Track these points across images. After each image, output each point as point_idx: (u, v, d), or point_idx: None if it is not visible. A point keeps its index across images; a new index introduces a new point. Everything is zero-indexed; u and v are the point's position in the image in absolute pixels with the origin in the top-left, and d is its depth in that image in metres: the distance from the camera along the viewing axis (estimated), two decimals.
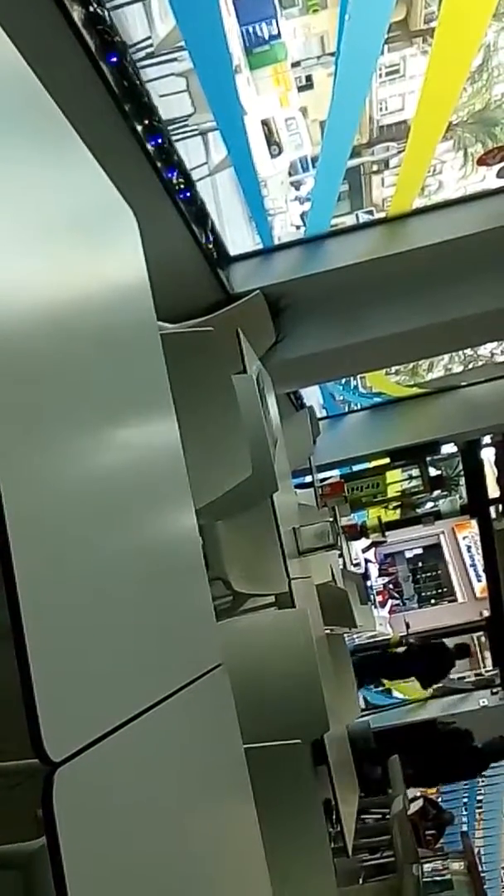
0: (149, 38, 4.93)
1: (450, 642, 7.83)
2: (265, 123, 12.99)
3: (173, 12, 3.31)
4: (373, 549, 14.40)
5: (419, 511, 9.34)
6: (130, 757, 0.96)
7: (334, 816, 2.72)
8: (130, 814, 0.94)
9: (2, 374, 0.86)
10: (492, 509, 8.23)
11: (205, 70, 3.67)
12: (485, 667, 11.12)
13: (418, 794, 7.50)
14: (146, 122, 2.89)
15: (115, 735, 0.89)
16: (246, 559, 2.66)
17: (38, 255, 1.08)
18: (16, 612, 0.75)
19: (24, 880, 1.13)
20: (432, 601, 17.24)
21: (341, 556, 5.71)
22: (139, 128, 2.86)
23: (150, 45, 4.86)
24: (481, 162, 4.93)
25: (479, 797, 10.42)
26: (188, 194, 3.48)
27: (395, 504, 8.85)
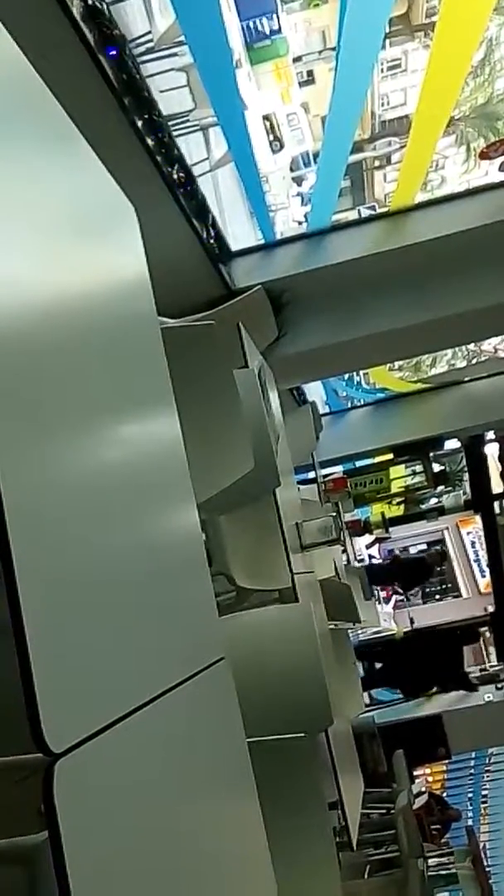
0: (148, 32, 4.93)
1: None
2: (266, 119, 12.95)
3: (173, 7, 3.31)
4: (376, 545, 14.39)
5: (423, 507, 9.34)
6: (132, 749, 0.96)
7: (339, 810, 2.72)
8: (132, 806, 0.94)
9: (1, 369, 0.86)
10: (496, 504, 8.23)
11: (205, 65, 3.66)
12: (489, 662, 11.12)
13: (423, 789, 7.52)
14: (146, 116, 2.88)
15: (116, 727, 0.89)
16: (249, 555, 2.66)
17: (38, 249, 1.08)
18: (15, 603, 0.75)
19: (27, 874, 1.13)
20: (437, 597, 17.22)
21: (345, 551, 5.71)
22: (139, 122, 2.85)
23: (150, 40, 4.86)
24: (483, 156, 4.91)
25: (483, 792, 10.44)
26: (189, 189, 3.47)
27: (398, 500, 8.86)
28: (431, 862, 6.55)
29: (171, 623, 1.25)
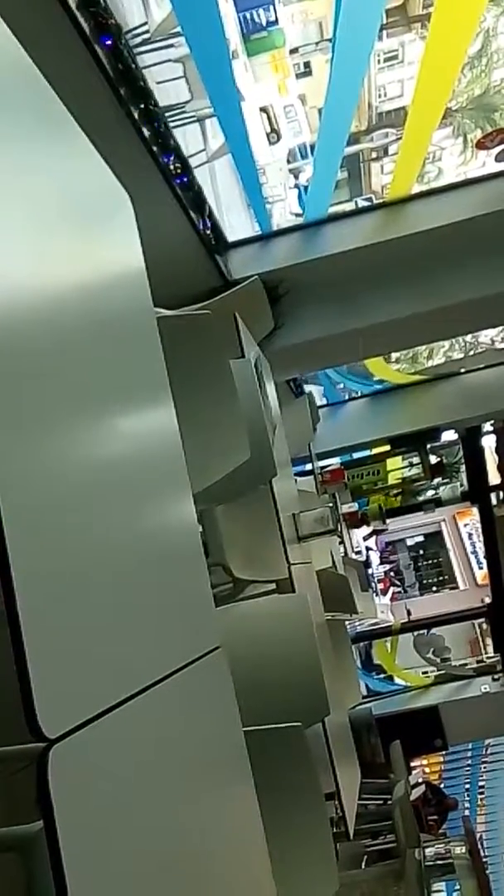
0: (145, 23, 4.91)
1: None
2: (264, 111, 12.94)
3: None
4: (374, 537, 14.43)
5: (420, 498, 9.34)
6: (128, 736, 0.96)
7: (336, 801, 2.73)
8: (128, 793, 0.94)
9: None
10: (493, 496, 8.24)
11: (201, 56, 3.63)
12: (486, 653, 11.16)
13: (420, 780, 7.56)
14: (142, 106, 2.86)
15: (112, 713, 0.89)
16: (246, 546, 2.66)
17: (33, 239, 1.07)
18: (9, 591, 0.75)
19: (23, 862, 1.14)
20: (434, 588, 17.29)
21: (342, 543, 5.72)
22: (135, 112, 2.83)
23: (147, 32, 4.84)
24: (480, 145, 4.91)
25: (480, 782, 10.49)
26: (185, 179, 3.45)
27: (395, 491, 8.85)
28: (428, 852, 6.59)
29: (168, 612, 1.25)
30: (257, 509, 2.56)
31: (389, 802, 5.89)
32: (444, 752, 9.15)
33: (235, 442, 1.95)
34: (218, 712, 1.40)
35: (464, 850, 6.77)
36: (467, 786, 10.29)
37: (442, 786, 8.60)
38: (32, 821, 1.11)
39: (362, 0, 3.58)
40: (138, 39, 4.62)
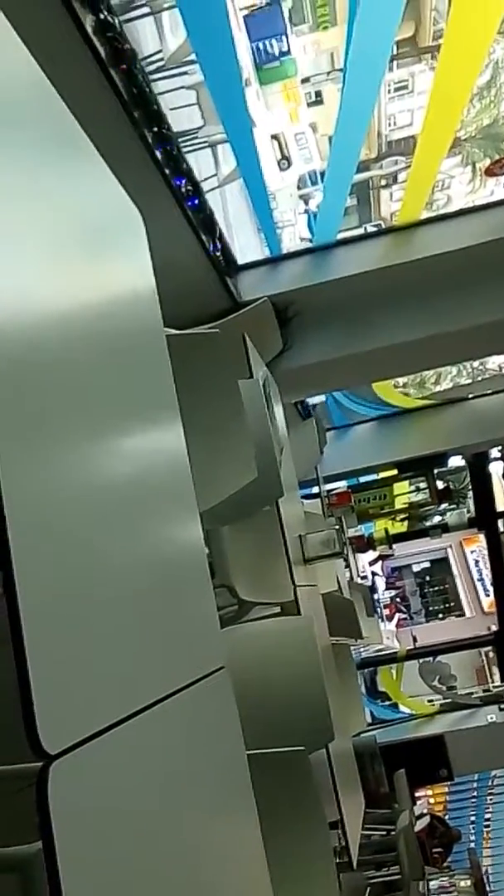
0: (160, 51, 4.98)
1: None
2: (275, 138, 13.07)
3: (184, 26, 3.34)
4: (380, 563, 14.35)
5: (426, 524, 9.30)
6: (130, 754, 0.94)
7: (339, 830, 2.69)
8: (128, 812, 0.93)
9: (7, 379, 0.85)
10: (500, 522, 8.20)
11: (215, 83, 3.70)
12: (493, 682, 11.04)
13: (425, 812, 7.44)
14: (155, 129, 2.90)
15: (114, 731, 0.88)
16: (252, 567, 2.64)
17: (46, 258, 1.08)
18: (14, 606, 0.75)
19: (22, 883, 1.12)
20: (440, 615, 17.16)
21: (348, 567, 5.69)
22: (148, 135, 2.88)
23: (161, 59, 4.91)
24: (489, 172, 4.95)
25: (486, 815, 10.32)
26: (196, 202, 3.49)
27: (402, 516, 8.82)
28: (433, 884, 6.47)
29: (172, 631, 1.24)
30: (264, 530, 2.55)
31: (393, 833, 5.79)
32: (449, 784, 9.01)
33: (243, 461, 1.95)
34: (221, 732, 1.39)
35: (469, 884, 6.65)
36: (473, 818, 10.12)
37: (447, 817, 8.46)
38: (31, 841, 1.10)
39: (373, 32, 3.64)
40: (153, 66, 4.69)
